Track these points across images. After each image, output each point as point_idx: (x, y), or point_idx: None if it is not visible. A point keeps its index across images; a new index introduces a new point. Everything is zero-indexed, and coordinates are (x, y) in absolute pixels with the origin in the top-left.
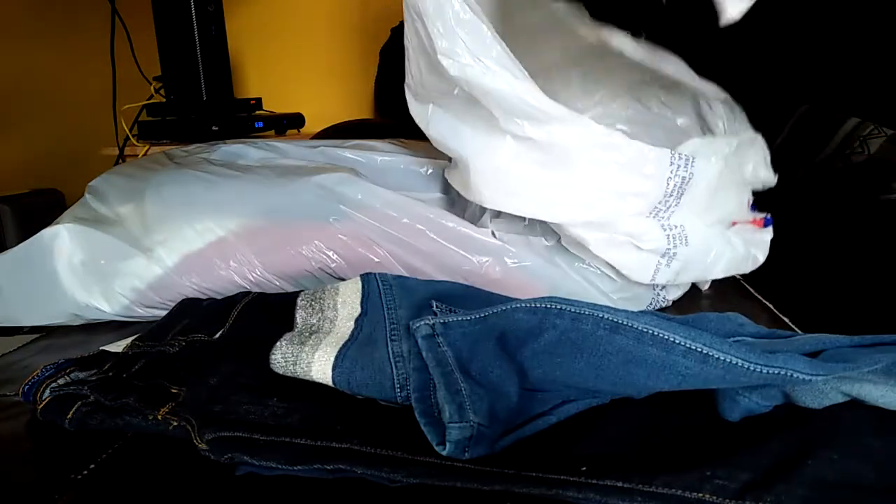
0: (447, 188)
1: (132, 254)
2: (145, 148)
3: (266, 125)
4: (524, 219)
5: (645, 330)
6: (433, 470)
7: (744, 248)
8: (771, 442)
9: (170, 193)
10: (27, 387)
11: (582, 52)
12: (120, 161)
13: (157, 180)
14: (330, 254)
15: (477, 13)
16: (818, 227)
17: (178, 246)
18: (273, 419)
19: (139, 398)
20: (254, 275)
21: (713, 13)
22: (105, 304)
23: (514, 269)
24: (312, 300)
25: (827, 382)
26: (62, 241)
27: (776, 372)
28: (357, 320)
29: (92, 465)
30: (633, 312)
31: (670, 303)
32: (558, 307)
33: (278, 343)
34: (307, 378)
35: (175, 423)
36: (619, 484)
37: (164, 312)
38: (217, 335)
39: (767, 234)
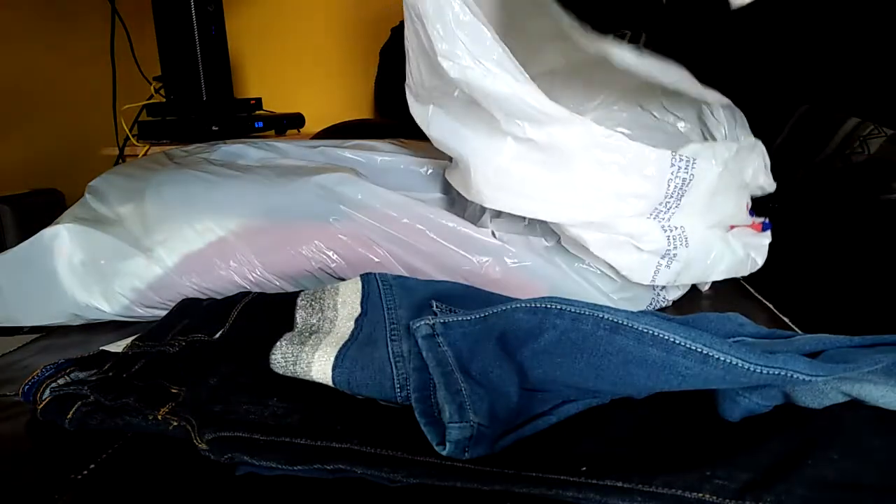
0: (447, 188)
1: (132, 254)
2: (145, 148)
3: (266, 125)
4: (524, 219)
5: (645, 330)
6: (433, 470)
7: (743, 251)
8: (771, 442)
9: (170, 193)
10: (27, 387)
11: (584, 59)
12: (120, 161)
13: (157, 180)
14: (330, 254)
15: (477, 15)
16: (818, 227)
17: (178, 246)
18: (273, 419)
19: (139, 398)
20: (254, 275)
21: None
22: (105, 304)
23: (514, 269)
24: (312, 300)
25: (827, 383)
26: (62, 241)
27: (776, 372)
28: (357, 320)
29: (92, 465)
30: (633, 313)
31: (670, 303)
32: (558, 307)
33: (278, 343)
34: (307, 378)
35: (175, 423)
36: (619, 484)
37: (164, 312)
38: (217, 335)
39: (766, 238)
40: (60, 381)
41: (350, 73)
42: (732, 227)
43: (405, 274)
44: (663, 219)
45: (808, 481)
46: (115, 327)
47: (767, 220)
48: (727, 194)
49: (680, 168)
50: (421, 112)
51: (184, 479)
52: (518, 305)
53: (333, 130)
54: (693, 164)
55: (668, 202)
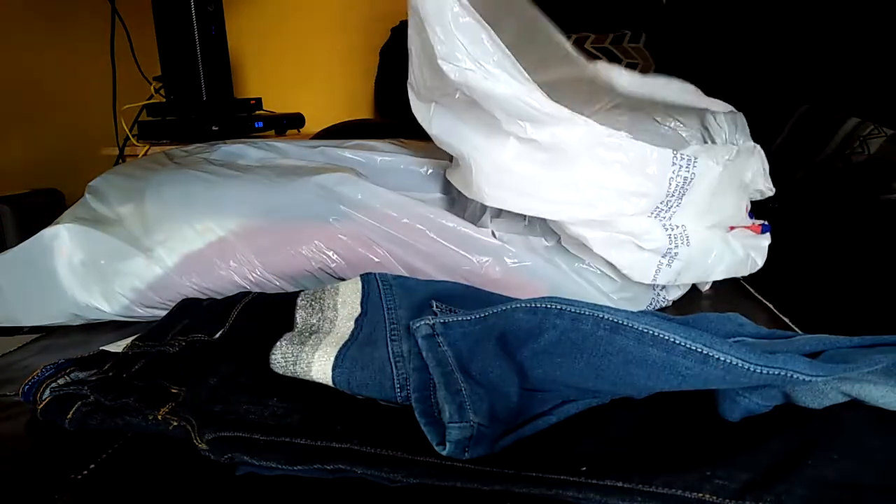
0: (447, 188)
1: (132, 254)
2: (145, 148)
3: (266, 125)
4: (524, 219)
5: (645, 330)
6: (433, 470)
7: (743, 251)
8: (771, 442)
9: (170, 193)
10: (27, 387)
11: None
12: (120, 161)
13: (157, 180)
14: (330, 254)
15: (476, 17)
16: (818, 227)
17: (178, 246)
18: (273, 419)
19: (139, 398)
20: (254, 275)
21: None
22: (105, 304)
23: (514, 269)
24: (312, 300)
25: (827, 383)
26: (62, 241)
27: (776, 373)
28: (357, 320)
29: (92, 465)
30: (633, 313)
31: (670, 303)
32: (558, 307)
33: (278, 343)
34: (307, 378)
35: (175, 423)
36: (619, 484)
37: (164, 312)
38: (217, 335)
39: (765, 240)
40: (60, 381)
41: (350, 73)
42: (732, 228)
43: (405, 274)
44: (664, 217)
45: (808, 481)
46: (115, 327)
47: (766, 223)
48: (726, 195)
49: (681, 167)
50: (423, 110)
51: (184, 479)
52: (518, 305)
53: (333, 130)
54: (694, 163)
55: (670, 201)
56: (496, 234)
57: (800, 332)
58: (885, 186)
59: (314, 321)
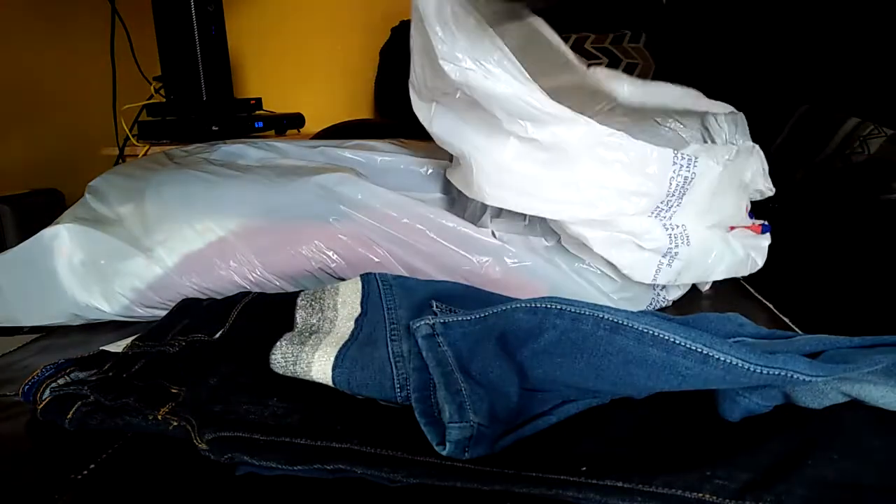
0: (447, 188)
1: (132, 254)
2: (145, 148)
3: (266, 125)
4: (524, 218)
5: (645, 330)
6: (433, 470)
7: (743, 251)
8: (771, 442)
9: (170, 193)
10: (27, 387)
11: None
12: (120, 161)
13: (157, 180)
14: (330, 254)
15: (477, 17)
16: (818, 227)
17: (178, 246)
18: (273, 419)
19: (139, 398)
20: (254, 275)
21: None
22: (105, 304)
23: (514, 269)
24: (312, 300)
25: (827, 383)
26: (62, 241)
27: (776, 373)
28: (357, 320)
29: (92, 465)
30: (633, 313)
31: (670, 303)
32: (558, 307)
33: (278, 343)
34: (307, 378)
35: (175, 423)
36: (619, 484)
37: (164, 312)
38: (217, 335)
39: (765, 240)
40: (60, 381)
41: (350, 73)
42: (732, 228)
43: (405, 274)
44: (665, 217)
45: (808, 481)
46: (115, 327)
47: (766, 223)
48: (726, 195)
49: (682, 166)
50: (424, 110)
51: (184, 479)
52: (518, 305)
53: (333, 130)
54: (695, 163)
55: (670, 200)
56: (496, 234)
57: (800, 332)
58: (885, 186)
59: (314, 321)
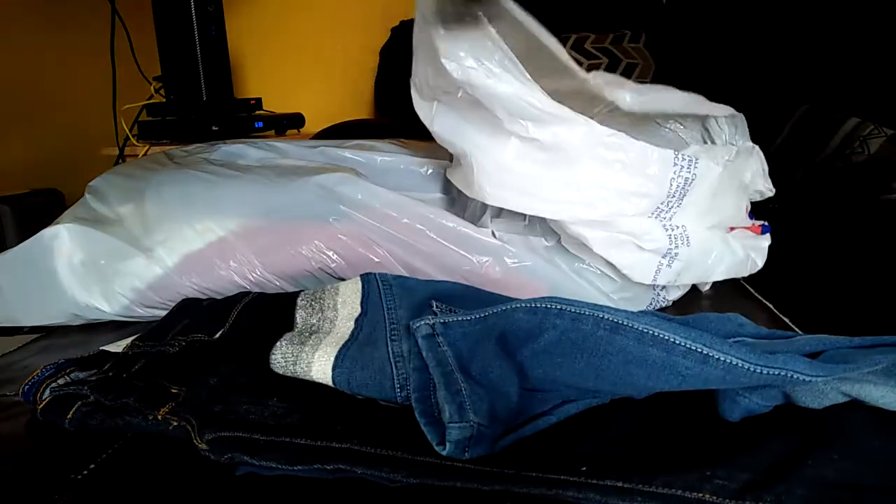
0: (447, 188)
1: (132, 254)
2: (145, 148)
3: (266, 125)
4: (524, 218)
5: (645, 330)
6: (433, 470)
7: (743, 252)
8: (771, 442)
9: (170, 193)
10: (27, 387)
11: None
12: (120, 161)
13: (157, 180)
14: (330, 254)
15: (479, 17)
16: (818, 227)
17: (178, 246)
18: (273, 419)
19: (139, 398)
20: (254, 275)
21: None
22: (105, 304)
23: (514, 269)
24: (312, 300)
25: (827, 383)
26: (62, 241)
27: (776, 373)
28: (357, 320)
29: (92, 465)
30: (633, 313)
31: (670, 303)
32: (558, 307)
33: (278, 343)
34: (307, 378)
35: (175, 423)
36: (619, 484)
37: (164, 312)
38: (217, 335)
39: (765, 240)
40: (60, 381)
41: (350, 73)
42: (732, 228)
43: (405, 274)
44: (665, 218)
45: (808, 481)
46: (115, 327)
47: (766, 224)
48: (726, 196)
49: (682, 167)
50: (425, 109)
51: (184, 479)
52: (518, 305)
53: (333, 130)
54: (695, 163)
55: (670, 201)
56: (496, 234)
57: (800, 332)
58: (885, 186)
59: (314, 321)
